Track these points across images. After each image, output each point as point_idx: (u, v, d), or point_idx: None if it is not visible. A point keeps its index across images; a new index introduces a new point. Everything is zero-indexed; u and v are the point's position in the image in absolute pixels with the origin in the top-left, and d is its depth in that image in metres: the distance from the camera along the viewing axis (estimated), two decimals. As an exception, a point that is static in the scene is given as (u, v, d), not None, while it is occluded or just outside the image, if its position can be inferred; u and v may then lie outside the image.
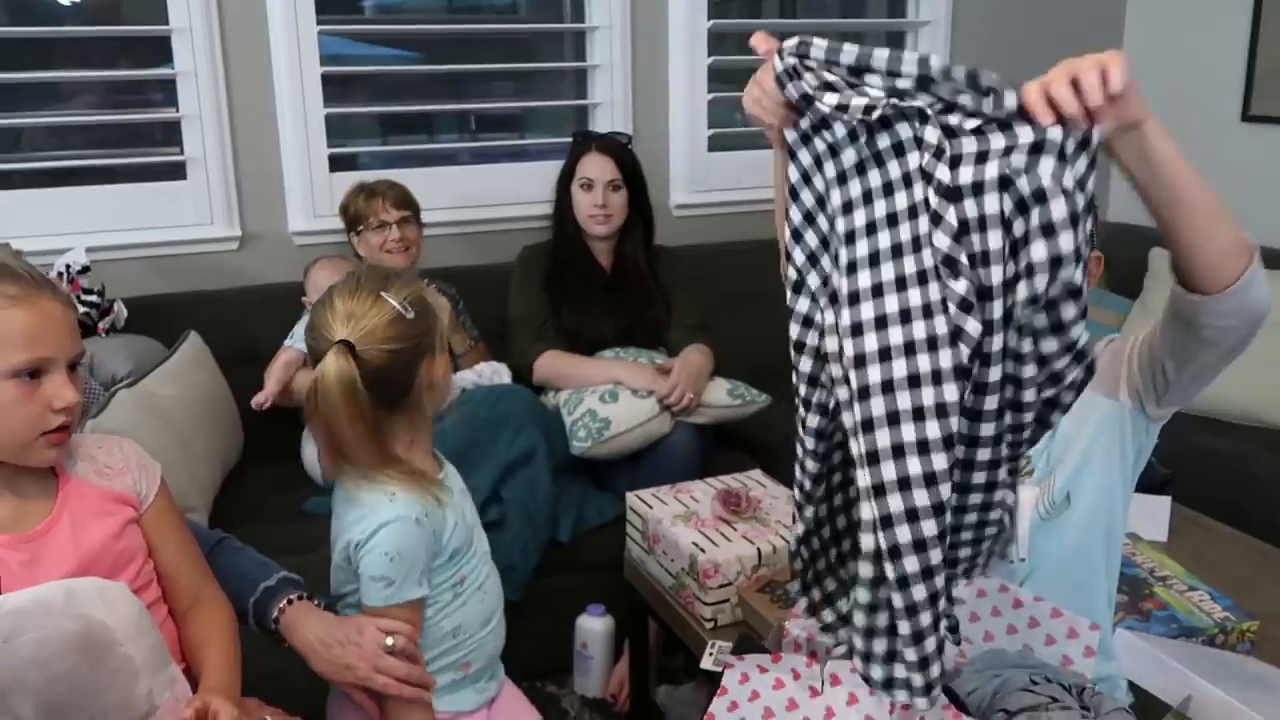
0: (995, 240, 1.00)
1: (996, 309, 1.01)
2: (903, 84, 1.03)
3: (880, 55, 1.02)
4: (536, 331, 2.63)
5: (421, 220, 2.67)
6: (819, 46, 1.04)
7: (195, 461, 2.28)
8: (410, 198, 2.64)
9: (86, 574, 1.21)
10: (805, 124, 1.11)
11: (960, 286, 1.01)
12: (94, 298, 2.46)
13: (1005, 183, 0.98)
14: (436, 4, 3.23)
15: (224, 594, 1.41)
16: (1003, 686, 1.23)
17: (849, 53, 1.03)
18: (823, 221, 1.14)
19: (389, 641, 1.37)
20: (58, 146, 2.86)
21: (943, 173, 1.00)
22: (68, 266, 2.45)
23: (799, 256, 1.15)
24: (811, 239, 1.15)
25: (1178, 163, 1.07)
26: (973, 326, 1.01)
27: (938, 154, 1.01)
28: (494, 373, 2.52)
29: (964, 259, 1.01)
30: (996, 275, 1.00)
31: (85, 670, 1.11)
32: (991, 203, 0.99)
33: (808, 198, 1.14)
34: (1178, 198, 1.09)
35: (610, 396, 2.41)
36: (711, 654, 1.65)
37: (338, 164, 2.89)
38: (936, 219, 1.01)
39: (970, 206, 1.00)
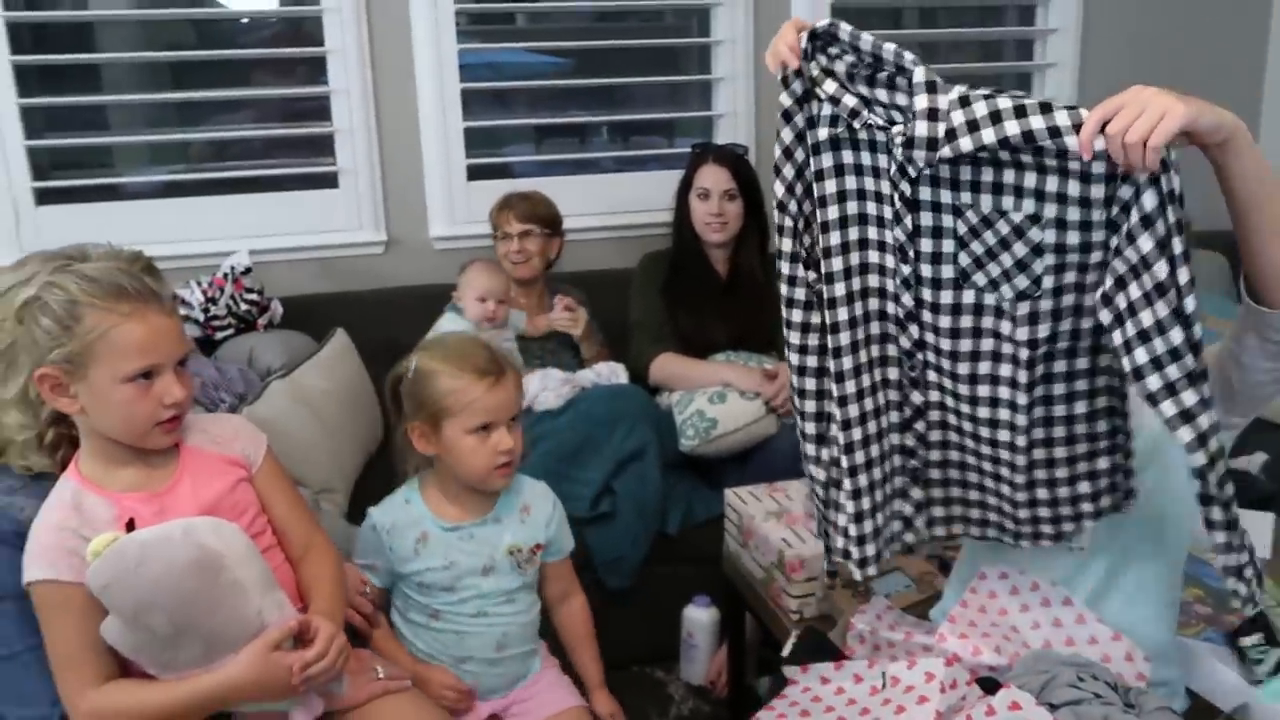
0: (948, 246, 1.25)
1: (926, 293, 1.27)
2: (903, 83, 1.20)
3: (889, 48, 1.19)
4: (653, 334, 2.76)
5: (555, 232, 2.83)
6: (844, 30, 1.22)
7: (339, 447, 2.48)
8: (539, 212, 2.79)
9: None
10: (797, 88, 1.29)
11: (906, 269, 1.27)
12: (255, 296, 2.70)
13: (958, 211, 1.22)
14: (585, 14, 3.39)
15: (331, 544, 1.60)
16: (1050, 682, 1.29)
17: (867, 40, 1.20)
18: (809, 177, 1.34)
19: (366, 589, 1.71)
20: (224, 158, 3.14)
21: (905, 186, 1.23)
22: (232, 268, 2.70)
23: (792, 210, 1.35)
24: (800, 193, 1.35)
25: (1257, 176, 1.12)
26: (907, 300, 1.29)
27: (901, 170, 1.21)
28: (611, 372, 2.67)
29: (912, 253, 1.26)
30: (927, 269, 1.27)
31: (203, 589, 1.31)
32: (948, 219, 1.23)
33: (800, 155, 1.32)
34: (1251, 210, 1.14)
35: (718, 398, 2.53)
36: (794, 644, 1.75)
37: (477, 173, 3.08)
38: (898, 218, 1.25)
39: (926, 217, 1.24)
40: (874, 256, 1.31)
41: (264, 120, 3.10)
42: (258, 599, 1.37)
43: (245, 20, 3.16)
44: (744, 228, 2.80)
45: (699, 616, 2.44)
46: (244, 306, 2.68)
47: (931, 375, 1.34)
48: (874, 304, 1.33)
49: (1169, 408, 1.12)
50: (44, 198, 2.79)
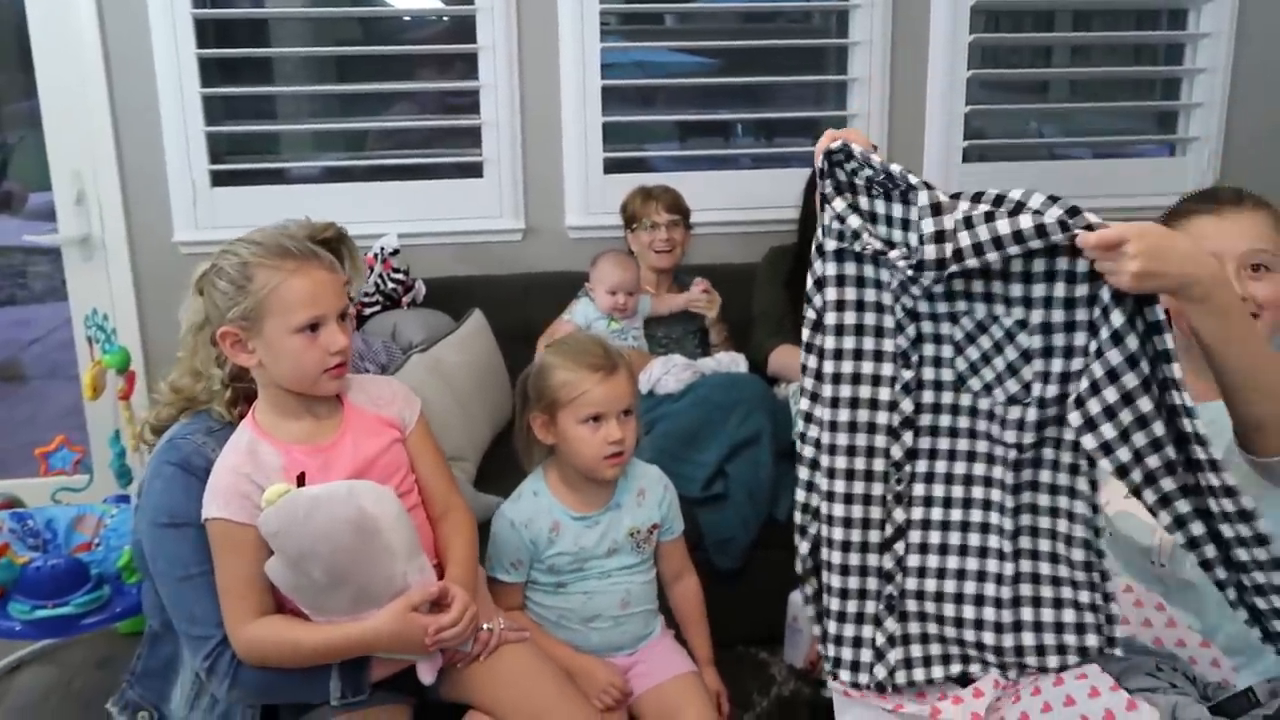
0: (947, 351, 1.30)
1: (928, 396, 1.31)
2: (910, 209, 1.24)
3: (896, 169, 1.24)
4: (774, 326, 2.83)
5: (690, 225, 2.94)
6: (857, 149, 1.28)
7: (471, 420, 2.63)
8: (681, 204, 2.92)
9: (363, 477, 1.55)
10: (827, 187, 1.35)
11: (908, 374, 1.30)
12: (401, 276, 2.88)
13: (955, 317, 1.27)
14: (733, 15, 3.48)
15: (469, 510, 1.72)
16: (1128, 669, 1.32)
17: (876, 160, 1.26)
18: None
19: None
20: (380, 147, 3.34)
21: (906, 300, 1.28)
22: (382, 249, 2.88)
23: (817, 304, 1.37)
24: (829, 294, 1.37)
25: (1223, 344, 1.17)
26: (906, 405, 1.32)
27: (902, 287, 1.27)
28: (732, 361, 2.75)
29: (915, 358, 1.30)
30: (929, 373, 1.31)
31: (359, 546, 1.45)
32: (946, 327, 1.28)
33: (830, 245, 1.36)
34: (1221, 371, 1.20)
35: (834, 390, 2.57)
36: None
37: (614, 167, 3.20)
38: (900, 328, 1.30)
39: (926, 325, 1.29)
40: (868, 367, 1.33)
41: (423, 112, 3.29)
42: (403, 562, 1.50)
43: (408, 18, 3.37)
44: (869, 226, 2.83)
45: (803, 602, 2.49)
46: (391, 285, 2.86)
47: (918, 489, 1.35)
48: (863, 415, 1.34)
49: (1149, 496, 1.20)
50: (219, 180, 3.03)
